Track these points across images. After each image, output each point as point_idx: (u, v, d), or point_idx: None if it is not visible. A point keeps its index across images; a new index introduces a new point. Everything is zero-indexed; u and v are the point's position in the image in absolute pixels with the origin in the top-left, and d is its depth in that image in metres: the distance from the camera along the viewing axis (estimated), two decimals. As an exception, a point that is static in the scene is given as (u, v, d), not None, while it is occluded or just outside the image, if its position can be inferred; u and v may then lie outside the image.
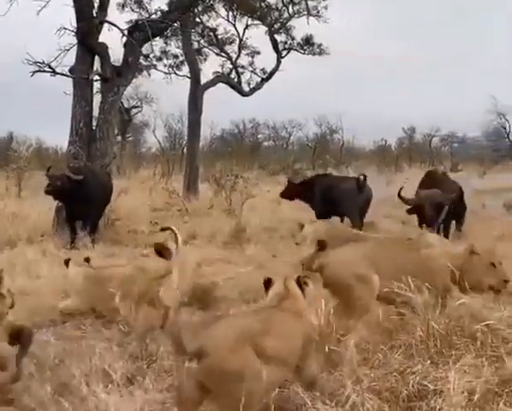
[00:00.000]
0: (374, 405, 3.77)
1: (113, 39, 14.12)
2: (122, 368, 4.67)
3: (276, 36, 25.77)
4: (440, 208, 11.60)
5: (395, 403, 4.05)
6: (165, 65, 26.33)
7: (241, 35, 26.00)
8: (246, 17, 25.57)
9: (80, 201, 11.50)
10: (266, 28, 25.56)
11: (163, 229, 7.63)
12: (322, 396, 4.00)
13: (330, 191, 13.07)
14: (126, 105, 43.27)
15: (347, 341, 4.91)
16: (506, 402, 3.65)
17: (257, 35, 26.58)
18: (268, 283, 4.60)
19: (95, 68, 13.85)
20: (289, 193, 14.11)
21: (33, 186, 20.41)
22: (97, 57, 13.88)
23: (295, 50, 26.07)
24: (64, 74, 13.47)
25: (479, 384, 3.86)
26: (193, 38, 24.77)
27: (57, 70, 13.35)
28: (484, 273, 5.65)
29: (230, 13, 25.43)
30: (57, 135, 47.60)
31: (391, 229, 12.56)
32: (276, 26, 25.69)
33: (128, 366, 4.84)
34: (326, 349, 4.73)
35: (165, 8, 19.64)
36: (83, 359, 4.88)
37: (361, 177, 13.04)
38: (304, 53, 26.25)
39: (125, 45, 13.97)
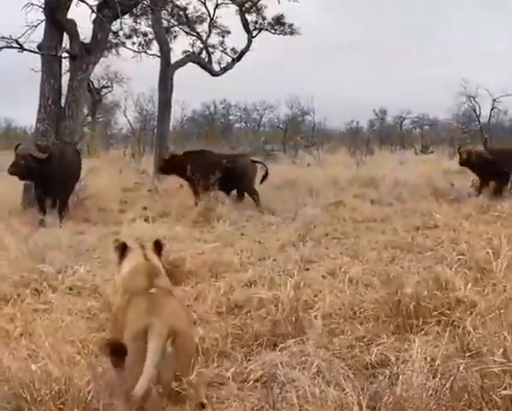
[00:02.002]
0: (340, 370, 3.83)
1: (82, 16, 13.99)
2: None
3: (246, 15, 25.71)
4: None
5: (360, 370, 4.15)
6: (134, 43, 26.15)
7: (211, 14, 25.83)
8: (216, -4, 25.41)
9: (48, 179, 11.42)
10: (237, 8, 25.47)
11: None
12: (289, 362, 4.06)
13: None
14: (96, 85, 42.79)
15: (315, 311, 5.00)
16: (466, 366, 3.74)
17: (227, 14, 26.56)
18: (123, 249, 4.10)
19: (64, 46, 13.71)
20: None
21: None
22: (66, 35, 13.71)
23: (266, 29, 26.04)
24: (32, 51, 13.35)
25: (440, 350, 3.95)
26: (163, 16, 24.51)
27: (25, 46, 13.23)
28: None
29: (201, -9, 25.25)
30: (27, 115, 47.11)
31: (360, 208, 12.65)
32: (246, 5, 25.59)
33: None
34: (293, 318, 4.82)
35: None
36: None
37: None
38: (275, 33, 26.23)
39: (94, 22, 13.81)
